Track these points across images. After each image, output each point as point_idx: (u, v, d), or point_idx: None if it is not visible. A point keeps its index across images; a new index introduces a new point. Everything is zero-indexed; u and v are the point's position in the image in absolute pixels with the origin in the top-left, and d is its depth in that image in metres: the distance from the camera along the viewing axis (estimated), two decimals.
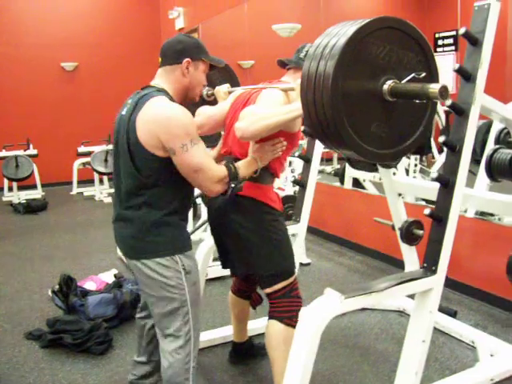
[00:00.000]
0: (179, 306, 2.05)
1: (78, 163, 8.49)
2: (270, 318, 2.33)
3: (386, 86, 1.69)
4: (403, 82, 1.70)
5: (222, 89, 2.61)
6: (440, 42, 3.88)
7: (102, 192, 8.25)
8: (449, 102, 2.06)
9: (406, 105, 1.78)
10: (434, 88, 1.58)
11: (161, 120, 1.92)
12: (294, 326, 1.98)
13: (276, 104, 2.14)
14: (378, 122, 1.74)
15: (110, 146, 7.95)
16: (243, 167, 2.12)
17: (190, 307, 2.07)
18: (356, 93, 1.66)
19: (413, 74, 1.72)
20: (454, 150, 2.09)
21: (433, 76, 1.80)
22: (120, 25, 9.62)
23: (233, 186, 2.07)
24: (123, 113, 2.06)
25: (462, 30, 2.09)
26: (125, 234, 2.09)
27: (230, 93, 2.56)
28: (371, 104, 1.71)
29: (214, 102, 2.65)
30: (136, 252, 2.06)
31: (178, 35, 2.21)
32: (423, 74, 1.73)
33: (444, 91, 1.57)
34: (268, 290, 2.32)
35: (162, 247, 2.02)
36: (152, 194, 2.00)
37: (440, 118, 5.33)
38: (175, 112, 1.94)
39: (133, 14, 9.74)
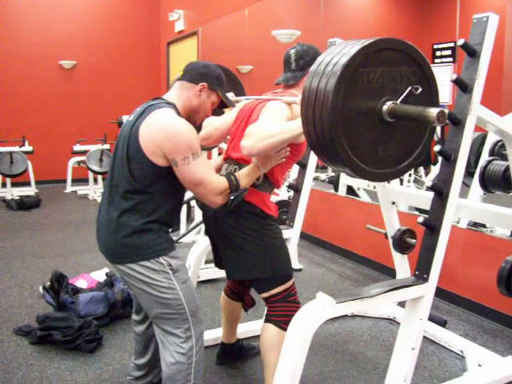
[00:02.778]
0: (175, 305, 2.08)
1: (73, 161, 8.47)
2: (266, 321, 2.34)
3: (385, 107, 1.69)
4: (400, 99, 1.70)
5: None
6: (438, 54, 3.92)
7: (96, 191, 8.22)
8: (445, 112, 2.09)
9: (405, 124, 1.78)
10: (431, 112, 1.59)
11: (165, 130, 1.97)
12: None
13: (280, 119, 2.16)
14: (377, 141, 1.74)
15: (106, 146, 7.95)
16: (245, 176, 2.15)
17: (185, 305, 2.10)
18: (355, 111, 1.66)
19: (409, 88, 1.73)
20: (448, 159, 2.11)
21: (430, 84, 1.81)
22: (120, 25, 9.62)
23: (232, 197, 2.09)
24: (130, 118, 2.12)
25: (460, 42, 2.12)
26: (107, 239, 2.13)
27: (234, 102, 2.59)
28: (370, 123, 1.71)
29: (218, 110, 2.68)
30: (119, 256, 2.10)
31: (208, 62, 2.27)
32: (419, 90, 1.74)
33: (442, 116, 1.58)
34: (265, 295, 2.32)
35: (145, 250, 2.04)
36: (140, 200, 2.04)
37: (435, 129, 5.35)
38: (180, 125, 2.00)
39: (133, 14, 9.75)
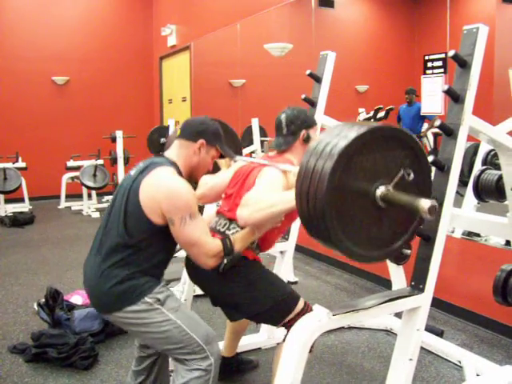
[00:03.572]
0: (176, 333, 2.06)
1: (66, 177, 8.46)
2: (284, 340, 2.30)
3: (378, 192, 1.68)
4: (392, 183, 1.69)
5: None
6: (429, 65, 3.94)
7: (90, 207, 8.20)
8: (438, 122, 2.10)
9: (397, 208, 1.74)
10: (423, 206, 1.57)
11: (165, 189, 2.01)
12: None
13: (276, 187, 2.17)
14: (369, 222, 1.72)
15: (100, 161, 7.94)
16: (240, 241, 2.15)
17: (188, 330, 2.07)
18: (349, 193, 1.65)
19: (401, 173, 1.71)
20: (442, 169, 2.12)
21: (422, 165, 1.79)
22: (112, 40, 9.66)
23: (225, 262, 2.12)
24: (131, 173, 2.14)
25: (451, 53, 2.13)
26: (93, 288, 2.11)
27: (230, 159, 2.60)
28: (363, 205, 1.69)
29: (214, 166, 2.68)
30: (105, 305, 2.10)
31: (204, 117, 2.30)
32: (411, 176, 1.73)
33: (432, 209, 1.57)
34: (280, 325, 2.29)
35: (130, 295, 2.04)
36: (130, 253, 2.05)
37: (428, 140, 5.38)
38: (180, 185, 2.03)
39: (125, 29, 9.80)
